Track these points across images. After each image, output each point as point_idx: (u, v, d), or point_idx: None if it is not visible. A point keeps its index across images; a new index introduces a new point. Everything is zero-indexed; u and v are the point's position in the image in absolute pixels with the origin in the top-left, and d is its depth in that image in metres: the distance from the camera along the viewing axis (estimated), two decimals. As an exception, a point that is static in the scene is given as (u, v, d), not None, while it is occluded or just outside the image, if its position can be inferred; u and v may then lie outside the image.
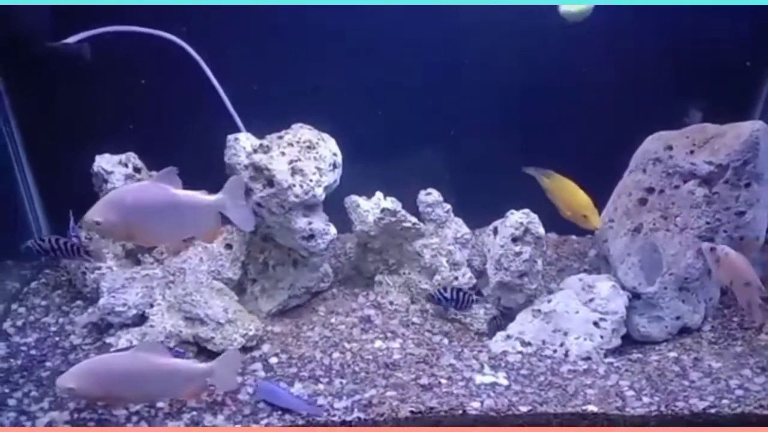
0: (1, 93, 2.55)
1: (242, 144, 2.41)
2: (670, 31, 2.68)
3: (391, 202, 2.56)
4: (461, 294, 2.44)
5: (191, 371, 2.06)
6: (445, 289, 2.46)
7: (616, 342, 2.40)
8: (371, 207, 2.58)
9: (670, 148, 2.46)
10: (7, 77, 2.55)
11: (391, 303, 2.61)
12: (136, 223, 1.81)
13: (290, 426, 2.02)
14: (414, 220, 2.57)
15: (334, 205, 2.54)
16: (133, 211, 1.80)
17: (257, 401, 2.12)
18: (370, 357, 2.33)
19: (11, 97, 2.57)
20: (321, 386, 2.19)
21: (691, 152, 2.38)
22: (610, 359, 2.36)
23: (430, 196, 2.62)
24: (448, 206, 2.63)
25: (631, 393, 2.17)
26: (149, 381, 2.00)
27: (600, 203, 2.61)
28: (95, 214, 1.80)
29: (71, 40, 2.31)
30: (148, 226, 1.83)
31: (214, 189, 2.60)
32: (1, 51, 2.36)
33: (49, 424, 2.04)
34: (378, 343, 2.41)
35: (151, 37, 2.51)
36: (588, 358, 2.34)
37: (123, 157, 2.49)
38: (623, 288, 2.46)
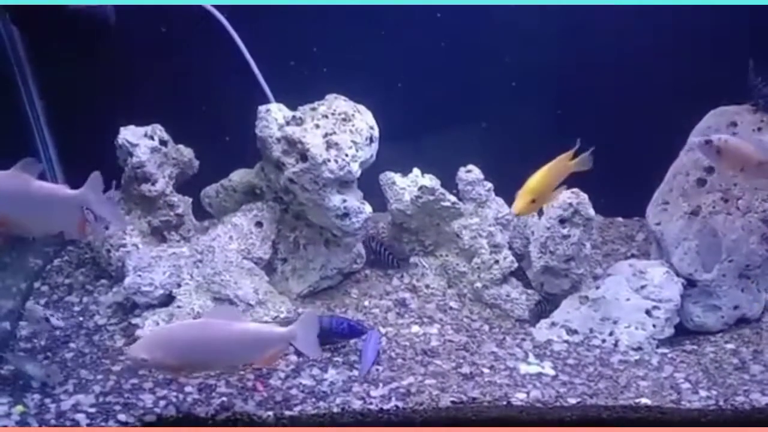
0: (22, 59, 2.46)
1: (274, 115, 2.29)
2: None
3: (429, 180, 2.43)
4: (384, 250, 2.50)
5: (271, 335, 1.90)
6: (372, 238, 2.49)
7: (669, 332, 2.26)
8: (408, 185, 2.46)
9: (734, 124, 2.31)
10: (29, 42, 2.45)
11: (427, 286, 2.49)
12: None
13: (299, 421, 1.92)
14: (453, 199, 2.44)
15: (366, 182, 2.42)
16: None
17: (289, 387, 2.02)
18: (407, 343, 2.22)
19: (32, 63, 2.47)
20: (356, 372, 2.08)
21: (759, 129, 2.23)
22: (662, 350, 2.22)
23: (470, 173, 2.48)
24: (489, 185, 2.49)
25: (687, 386, 2.04)
26: (227, 346, 1.86)
27: (654, 183, 2.47)
28: None
29: (95, 1, 2.19)
30: (7, 215, 1.80)
31: (243, 163, 2.53)
32: (22, 14, 2.26)
33: (74, 408, 1.95)
34: (415, 329, 2.30)
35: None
36: (639, 349, 2.21)
37: (149, 129, 2.38)
38: (677, 274, 2.31)
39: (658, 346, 2.23)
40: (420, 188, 2.41)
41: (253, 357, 1.91)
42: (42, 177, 1.85)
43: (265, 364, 1.97)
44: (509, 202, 2.55)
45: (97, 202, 1.91)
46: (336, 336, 2.15)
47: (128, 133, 2.36)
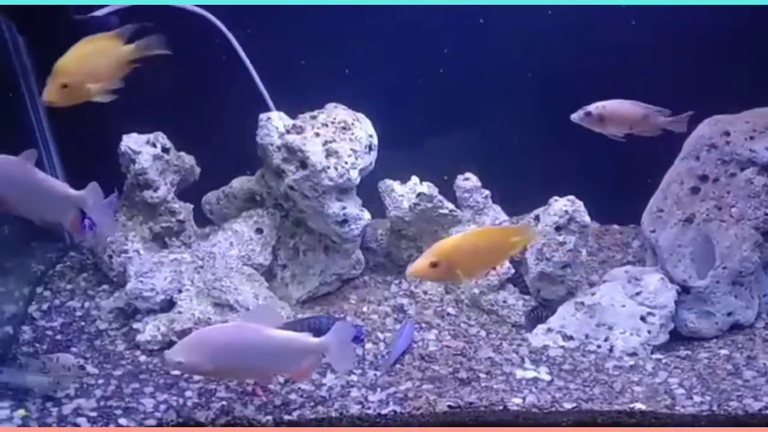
0: (27, 68, 2.49)
1: (275, 124, 2.33)
2: (728, 9, 2.53)
3: (427, 187, 2.46)
4: None
5: (304, 345, 1.89)
6: None
7: (664, 338, 2.29)
8: (406, 192, 2.48)
9: (727, 133, 2.34)
10: (33, 52, 2.48)
11: (425, 292, 2.51)
12: (2, 194, 1.88)
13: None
14: (451, 206, 2.47)
15: (365, 189, 2.45)
16: None
17: (288, 392, 2.04)
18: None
19: (37, 72, 2.50)
20: (354, 377, 2.11)
21: (751, 138, 2.26)
22: (657, 356, 2.25)
23: (468, 181, 2.52)
24: (486, 192, 2.53)
25: (681, 391, 2.06)
26: (261, 354, 1.87)
27: (650, 191, 2.50)
28: None
29: (100, 12, 2.23)
30: (10, 198, 1.90)
31: (242, 170, 2.55)
32: (28, 24, 2.29)
33: (75, 411, 1.98)
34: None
35: (182, 10, 2.42)
36: (634, 354, 2.23)
37: (151, 136, 2.40)
38: (672, 281, 2.34)
39: (652, 352, 2.26)
40: (418, 195, 2.44)
41: (285, 367, 1.92)
42: (39, 165, 1.94)
43: (300, 377, 1.98)
44: (507, 209, 2.61)
45: (93, 207, 1.99)
46: None
47: (131, 141, 2.38)
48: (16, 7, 2.05)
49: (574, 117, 2.15)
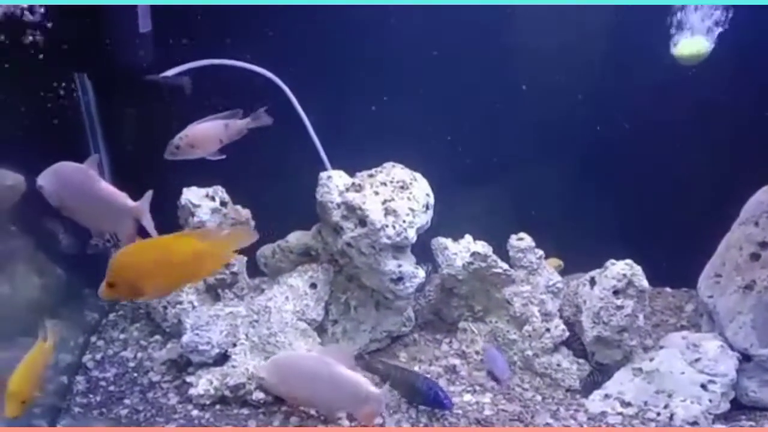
0: (95, 124, 2.55)
1: (335, 182, 2.36)
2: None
3: (481, 246, 2.45)
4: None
5: (364, 392, 1.98)
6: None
7: (725, 407, 2.23)
8: (460, 250, 2.48)
9: (787, 201, 2.32)
10: (102, 110, 2.55)
11: (477, 353, 2.49)
12: (64, 199, 1.96)
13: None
14: (505, 266, 2.46)
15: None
16: (61, 186, 1.96)
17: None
18: (460, 411, 2.21)
19: (104, 128, 2.57)
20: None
21: (813, 207, 2.24)
22: (719, 425, 2.19)
23: (522, 241, 2.51)
24: (540, 252, 2.51)
25: (746, 464, 2.00)
26: (328, 389, 1.98)
27: (704, 254, 2.48)
28: (41, 178, 1.96)
29: (170, 72, 2.30)
30: (71, 204, 1.97)
31: (299, 226, 2.58)
32: (101, 85, 2.36)
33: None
34: (467, 397, 2.29)
35: (245, 70, 2.50)
36: (695, 423, 2.17)
37: (210, 190, 2.44)
38: (732, 348, 2.29)
39: (714, 421, 2.19)
40: (473, 254, 2.44)
41: (346, 406, 2.02)
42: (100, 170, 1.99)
43: (363, 420, 2.02)
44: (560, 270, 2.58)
45: (148, 219, 2.02)
46: (419, 396, 2.19)
47: (191, 194, 2.42)
48: (93, 67, 2.13)
49: (167, 155, 2.13)
